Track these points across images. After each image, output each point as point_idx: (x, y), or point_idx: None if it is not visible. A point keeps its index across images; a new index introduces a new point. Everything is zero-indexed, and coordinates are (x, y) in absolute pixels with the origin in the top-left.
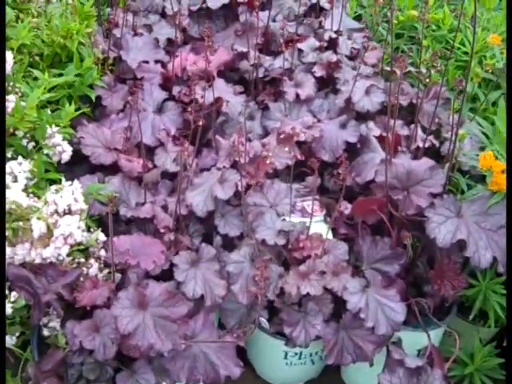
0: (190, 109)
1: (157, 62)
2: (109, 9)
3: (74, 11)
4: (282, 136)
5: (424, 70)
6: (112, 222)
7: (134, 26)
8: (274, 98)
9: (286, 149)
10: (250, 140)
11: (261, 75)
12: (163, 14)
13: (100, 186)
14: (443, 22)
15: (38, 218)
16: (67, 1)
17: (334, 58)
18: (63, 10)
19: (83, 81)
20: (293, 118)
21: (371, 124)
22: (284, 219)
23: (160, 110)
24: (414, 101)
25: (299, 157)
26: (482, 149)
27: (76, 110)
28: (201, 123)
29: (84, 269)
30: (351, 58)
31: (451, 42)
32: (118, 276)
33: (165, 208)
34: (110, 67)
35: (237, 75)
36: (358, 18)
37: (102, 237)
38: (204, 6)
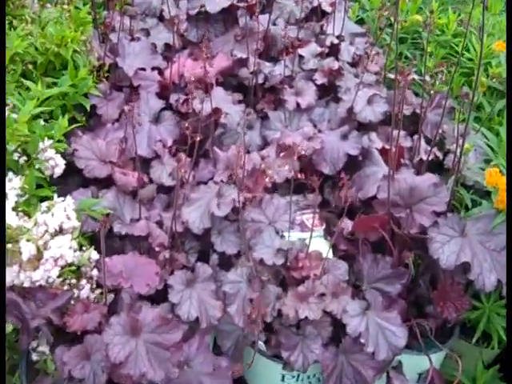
0: (187, 124)
1: (154, 68)
2: (105, 12)
3: (69, 17)
4: (282, 153)
5: (428, 78)
6: (104, 244)
7: (130, 31)
8: (274, 106)
9: (287, 167)
10: (248, 152)
11: (260, 81)
12: (161, 18)
13: (93, 202)
14: (447, 26)
15: (28, 240)
16: (62, 6)
17: (335, 65)
18: (58, 16)
19: (78, 90)
20: (293, 128)
21: (373, 135)
22: (283, 235)
23: (157, 119)
24: (417, 110)
25: (299, 176)
26: (487, 161)
27: (70, 120)
28: (198, 139)
29: (75, 291)
30: (353, 64)
31: (455, 47)
32: (111, 296)
33: (160, 224)
34: (105, 74)
35: (236, 81)
36: (360, 21)
37: (94, 255)
38: (203, 9)
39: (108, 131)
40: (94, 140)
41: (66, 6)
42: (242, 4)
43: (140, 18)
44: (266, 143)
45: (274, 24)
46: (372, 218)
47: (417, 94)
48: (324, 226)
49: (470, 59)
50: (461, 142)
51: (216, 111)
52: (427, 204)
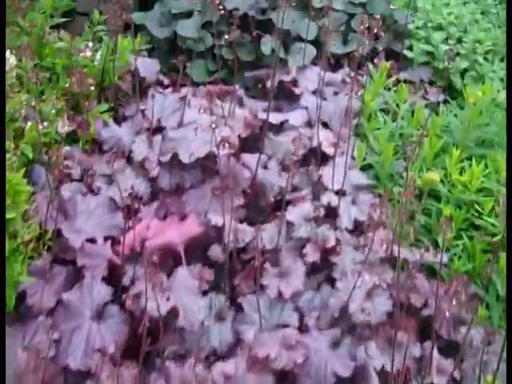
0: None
1: (107, 238)
2: (68, 147)
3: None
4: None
5: (445, 257)
6: None
7: (88, 180)
8: (254, 285)
9: None
10: (215, 354)
11: (241, 244)
12: (130, 159)
13: None
14: (470, 182)
15: None
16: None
17: (331, 240)
18: None
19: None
20: (273, 322)
21: (372, 347)
22: None
23: (100, 315)
24: (430, 301)
25: None
26: None
27: None
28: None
29: None
30: (354, 230)
31: (479, 207)
32: None
33: None
34: (47, 243)
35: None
36: (367, 166)
37: None
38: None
39: (38, 327)
40: (10, 346)
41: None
42: (222, 152)
43: (106, 159)
44: (238, 340)
45: (265, 167)
46: None
47: (433, 272)
48: None
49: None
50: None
51: (174, 311)
52: None
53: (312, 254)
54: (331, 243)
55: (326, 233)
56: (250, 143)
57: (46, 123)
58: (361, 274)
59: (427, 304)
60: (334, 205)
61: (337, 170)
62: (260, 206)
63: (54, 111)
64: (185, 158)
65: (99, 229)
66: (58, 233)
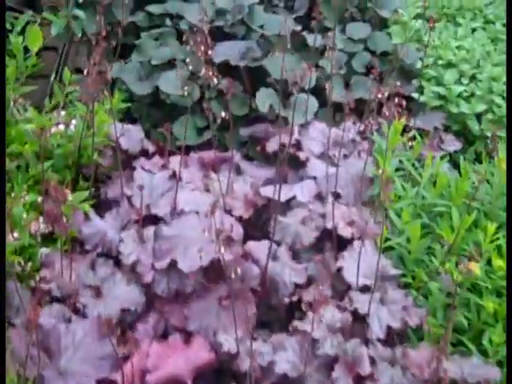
0: None
1: (100, 382)
2: (44, 249)
3: None
4: None
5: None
6: None
7: (71, 298)
8: None
9: None
10: None
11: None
12: (118, 261)
13: None
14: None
15: None
16: None
17: (365, 362)
18: None
19: None
20: None
21: None
22: None
23: None
24: None
25: None
26: None
27: None
28: None
29: None
30: (387, 340)
31: None
32: None
33: None
34: None
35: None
36: (389, 249)
37: None
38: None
39: None
40: None
41: None
42: (228, 257)
43: (90, 262)
44: None
45: (274, 257)
46: None
47: None
48: None
49: None
50: None
51: None
52: None
53: (344, 381)
54: (366, 369)
55: (356, 349)
56: (253, 224)
57: (16, 234)
58: None
59: None
60: (363, 312)
61: (357, 258)
62: (273, 306)
63: (25, 215)
64: (185, 267)
65: (88, 365)
66: (40, 380)
